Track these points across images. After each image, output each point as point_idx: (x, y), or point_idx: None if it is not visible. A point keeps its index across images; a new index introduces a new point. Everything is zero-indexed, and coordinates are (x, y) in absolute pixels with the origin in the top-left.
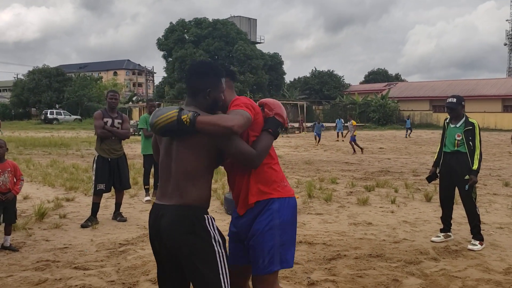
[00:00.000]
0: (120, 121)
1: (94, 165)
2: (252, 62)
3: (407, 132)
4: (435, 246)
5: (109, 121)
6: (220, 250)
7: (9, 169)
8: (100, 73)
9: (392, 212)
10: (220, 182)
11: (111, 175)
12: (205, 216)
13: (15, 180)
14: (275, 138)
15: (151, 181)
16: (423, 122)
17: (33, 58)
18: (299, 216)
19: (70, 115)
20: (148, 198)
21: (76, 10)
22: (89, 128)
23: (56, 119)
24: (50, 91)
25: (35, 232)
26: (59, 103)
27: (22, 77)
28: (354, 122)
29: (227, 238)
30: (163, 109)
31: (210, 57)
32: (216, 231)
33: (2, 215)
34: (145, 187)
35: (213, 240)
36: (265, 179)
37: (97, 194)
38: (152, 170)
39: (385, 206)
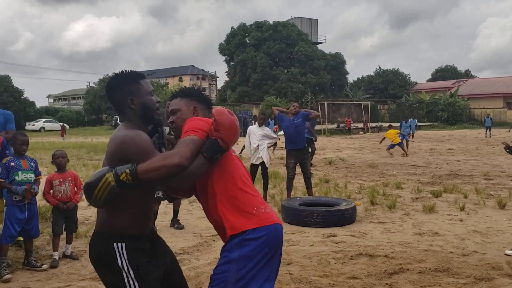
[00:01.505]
0: None
1: None
2: (313, 63)
3: (487, 131)
4: (510, 261)
5: (167, 129)
6: (131, 282)
7: (69, 179)
8: (166, 79)
9: (461, 220)
10: (278, 188)
11: None
12: (115, 244)
13: (75, 189)
14: (210, 162)
15: None
16: (496, 120)
17: (104, 66)
18: (361, 224)
19: None
20: None
21: (144, 18)
22: None
23: None
24: None
25: None
26: None
27: (94, 85)
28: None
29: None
30: (93, 176)
31: (271, 60)
32: (128, 261)
33: (63, 224)
34: None
35: (123, 271)
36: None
37: (155, 201)
38: None
39: (453, 214)
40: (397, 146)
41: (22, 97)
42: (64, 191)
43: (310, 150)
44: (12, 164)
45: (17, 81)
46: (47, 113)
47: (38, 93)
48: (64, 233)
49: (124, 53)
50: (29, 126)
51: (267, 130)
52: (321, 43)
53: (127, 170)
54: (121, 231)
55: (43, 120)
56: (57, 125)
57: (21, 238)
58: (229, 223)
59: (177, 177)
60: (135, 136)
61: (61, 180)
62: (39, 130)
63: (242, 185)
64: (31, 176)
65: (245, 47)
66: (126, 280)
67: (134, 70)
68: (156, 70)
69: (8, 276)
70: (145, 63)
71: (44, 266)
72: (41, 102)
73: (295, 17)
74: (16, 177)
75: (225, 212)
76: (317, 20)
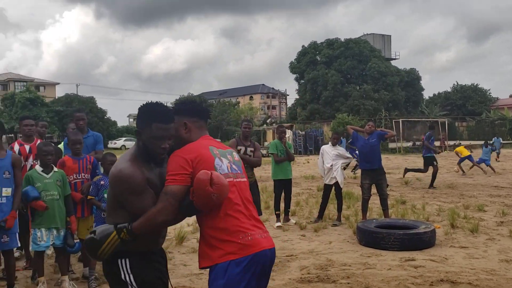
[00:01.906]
0: (252, 149)
1: None
2: (387, 79)
3: None
4: None
5: (242, 149)
6: None
7: None
8: (237, 98)
9: None
10: (352, 209)
11: None
12: (119, 260)
13: None
14: (190, 215)
15: (282, 206)
16: None
17: (180, 87)
18: (441, 249)
19: None
20: (279, 224)
21: (217, 40)
22: None
23: None
24: None
25: (174, 256)
26: None
27: (171, 105)
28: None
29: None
30: (99, 235)
31: (342, 77)
32: (132, 275)
33: None
34: (276, 212)
35: (127, 284)
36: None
37: None
38: (283, 195)
39: None
40: (476, 166)
41: (105, 117)
42: None
43: (432, 169)
44: (102, 182)
45: (101, 102)
46: (128, 131)
47: (119, 113)
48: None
49: (198, 74)
50: (111, 144)
51: (341, 150)
52: (394, 59)
53: (125, 230)
54: (126, 248)
55: (124, 138)
56: None
57: None
58: (215, 252)
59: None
60: (129, 175)
61: None
62: (120, 148)
63: (231, 210)
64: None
65: (316, 65)
66: None
67: (162, 111)
68: (228, 90)
69: None
70: (217, 83)
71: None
72: (122, 121)
73: (367, 34)
74: (105, 195)
75: (212, 242)
76: (390, 36)
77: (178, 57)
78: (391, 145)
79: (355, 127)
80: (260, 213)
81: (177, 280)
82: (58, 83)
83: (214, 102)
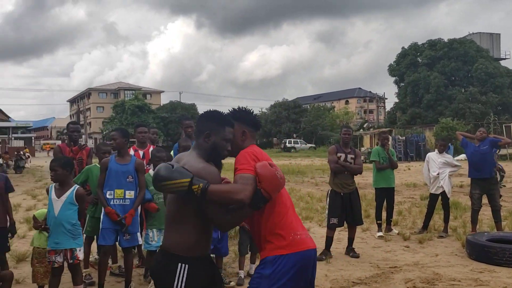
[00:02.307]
0: (353, 156)
1: (328, 199)
2: (495, 81)
3: None
4: None
5: (343, 156)
6: None
7: None
8: (332, 102)
9: None
10: (459, 220)
11: (343, 209)
12: (179, 264)
13: None
14: (254, 210)
15: (384, 215)
16: None
17: (275, 92)
18: None
19: (306, 144)
20: (380, 233)
21: (311, 45)
22: (322, 156)
23: (293, 147)
24: (289, 122)
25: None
26: (296, 133)
27: (266, 111)
28: None
29: None
30: (174, 170)
31: (446, 79)
32: (184, 285)
33: (248, 245)
34: (377, 222)
35: None
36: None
37: (330, 228)
38: (385, 204)
39: None
40: None
41: None
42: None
43: None
44: None
45: (201, 109)
46: None
47: None
48: (249, 252)
49: (292, 79)
50: None
51: (448, 157)
52: (504, 58)
53: (201, 184)
54: (186, 252)
55: None
56: None
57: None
58: (267, 245)
59: (228, 222)
60: (209, 172)
61: None
62: None
63: (284, 209)
64: None
65: (417, 67)
66: None
67: (228, 117)
68: (322, 94)
69: None
70: (312, 87)
71: (232, 283)
72: None
73: (473, 33)
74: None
75: (266, 235)
76: (499, 34)
77: (273, 63)
78: (502, 151)
79: (465, 133)
80: (361, 222)
81: None
82: (163, 91)
83: (308, 106)
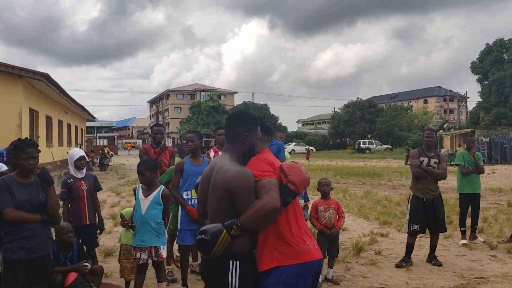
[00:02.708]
0: (436, 160)
1: (409, 204)
2: None
3: None
4: None
5: (425, 160)
6: None
7: (333, 206)
8: (410, 102)
9: None
10: None
11: (425, 216)
12: (231, 261)
13: (337, 217)
14: (285, 206)
15: (468, 222)
16: None
17: (349, 92)
18: None
19: (381, 145)
20: (464, 241)
21: (388, 42)
22: (399, 157)
23: (368, 148)
24: (363, 122)
25: (353, 267)
26: (371, 133)
27: (339, 110)
28: None
29: None
30: (209, 235)
31: None
32: (237, 281)
33: (327, 249)
34: (461, 229)
35: (229, 285)
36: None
37: (411, 235)
38: (469, 210)
39: None
40: None
41: (277, 123)
42: (328, 217)
43: None
44: None
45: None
46: (297, 137)
47: (289, 118)
48: (327, 257)
49: (367, 77)
50: None
51: None
52: None
53: (234, 226)
54: (236, 250)
55: (294, 143)
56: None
57: None
58: (274, 253)
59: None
60: (250, 175)
61: (325, 206)
62: (290, 153)
63: (295, 218)
64: (302, 202)
65: (502, 64)
66: None
67: (259, 117)
68: (399, 93)
69: None
70: (387, 86)
71: None
72: (291, 127)
73: None
74: None
75: (273, 242)
76: None
77: (347, 61)
78: None
79: None
80: (444, 229)
81: None
82: (237, 92)
83: (384, 106)
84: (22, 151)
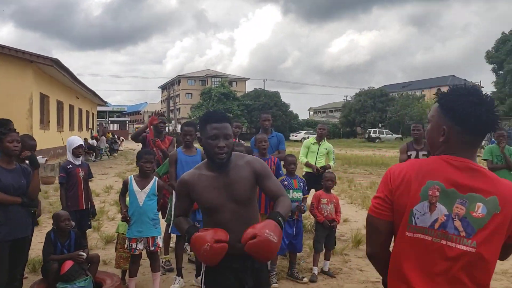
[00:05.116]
0: (425, 152)
1: None
2: None
3: None
4: None
5: (413, 153)
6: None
7: (334, 201)
8: (423, 91)
9: None
10: None
11: None
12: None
13: (335, 212)
14: None
15: None
16: None
17: (362, 80)
18: None
19: (392, 134)
20: None
21: (403, 29)
22: None
23: (378, 137)
24: (374, 111)
25: (351, 259)
26: (382, 122)
27: (350, 99)
28: None
29: None
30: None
31: None
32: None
33: (324, 242)
34: None
35: None
36: None
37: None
38: None
39: None
40: None
41: (288, 111)
42: (330, 210)
43: None
44: (286, 183)
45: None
46: (308, 125)
47: (301, 106)
48: (324, 249)
49: (381, 65)
50: (292, 136)
51: None
52: None
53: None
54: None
55: (304, 131)
56: None
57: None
58: None
59: None
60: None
61: (328, 200)
62: (300, 141)
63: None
64: (300, 195)
65: None
66: None
67: (214, 112)
68: (412, 82)
69: (276, 285)
70: (401, 74)
71: (305, 280)
72: (303, 115)
73: None
74: (288, 195)
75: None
76: None
77: (361, 48)
78: None
79: None
80: None
81: (352, 286)
82: (248, 79)
83: (396, 95)
84: (6, 135)
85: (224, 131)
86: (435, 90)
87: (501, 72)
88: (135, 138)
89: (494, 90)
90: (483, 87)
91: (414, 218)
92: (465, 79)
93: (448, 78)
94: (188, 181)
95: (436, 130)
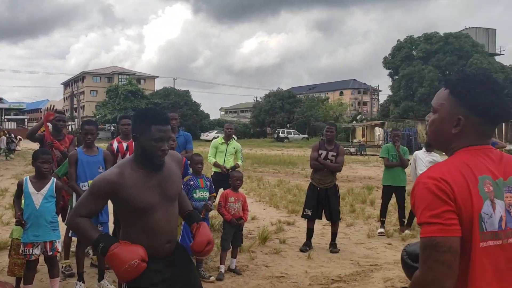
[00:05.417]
0: (334, 153)
1: (307, 190)
2: None
3: None
4: None
5: (324, 153)
6: None
7: (241, 199)
8: (327, 93)
9: None
10: None
11: (319, 203)
12: None
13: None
14: None
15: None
16: None
17: (271, 81)
18: None
19: (299, 134)
20: (381, 230)
21: (309, 33)
22: None
23: (287, 137)
24: (283, 112)
25: (257, 256)
26: (290, 123)
27: (260, 100)
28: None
29: None
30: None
31: (440, 73)
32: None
33: (231, 240)
34: (381, 219)
35: None
36: None
37: (305, 218)
38: (393, 202)
39: None
40: None
41: (199, 110)
42: (237, 208)
43: None
44: (192, 183)
45: (196, 95)
46: (219, 124)
47: (212, 106)
48: (231, 247)
49: (289, 68)
50: (203, 136)
51: (436, 156)
52: (499, 54)
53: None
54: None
55: (215, 131)
56: None
57: None
58: None
59: None
60: (99, 178)
61: (235, 198)
62: (211, 140)
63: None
64: (206, 194)
65: (412, 60)
66: None
67: (159, 113)
68: (317, 85)
69: (213, 278)
70: (308, 77)
71: (211, 278)
72: (214, 114)
73: (469, 27)
74: (194, 195)
75: None
76: (495, 29)
77: (271, 51)
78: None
79: None
80: (337, 218)
81: (258, 282)
82: (157, 77)
83: (303, 97)
84: None
85: (168, 134)
86: (338, 92)
87: (396, 77)
88: (31, 137)
89: (390, 93)
90: (380, 91)
91: (484, 224)
92: (365, 83)
93: (350, 82)
94: (115, 182)
95: (447, 120)
